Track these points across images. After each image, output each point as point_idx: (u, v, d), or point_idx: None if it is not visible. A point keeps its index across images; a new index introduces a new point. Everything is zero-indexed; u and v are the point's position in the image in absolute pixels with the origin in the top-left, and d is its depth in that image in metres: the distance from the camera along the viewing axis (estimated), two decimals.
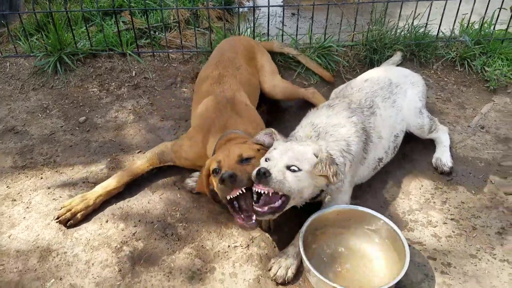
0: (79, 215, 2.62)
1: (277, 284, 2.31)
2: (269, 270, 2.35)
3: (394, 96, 2.96)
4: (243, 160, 2.37)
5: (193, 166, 2.87)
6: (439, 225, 2.65)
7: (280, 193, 2.21)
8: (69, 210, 2.62)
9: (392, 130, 2.89)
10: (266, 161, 2.31)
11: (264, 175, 2.13)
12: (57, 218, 2.60)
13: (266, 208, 2.21)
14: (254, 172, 2.17)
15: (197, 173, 2.84)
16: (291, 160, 2.26)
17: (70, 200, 2.68)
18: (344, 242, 2.47)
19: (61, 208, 2.64)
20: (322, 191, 2.43)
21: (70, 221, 2.60)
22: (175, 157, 2.87)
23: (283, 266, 2.32)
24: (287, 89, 3.46)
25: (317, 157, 2.30)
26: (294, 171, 2.24)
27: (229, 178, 2.17)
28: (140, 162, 2.87)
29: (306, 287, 2.31)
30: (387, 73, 3.14)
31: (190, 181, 2.84)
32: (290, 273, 2.32)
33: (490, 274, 2.38)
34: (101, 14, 4.22)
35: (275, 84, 3.43)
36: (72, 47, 3.94)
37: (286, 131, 2.78)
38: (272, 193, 2.19)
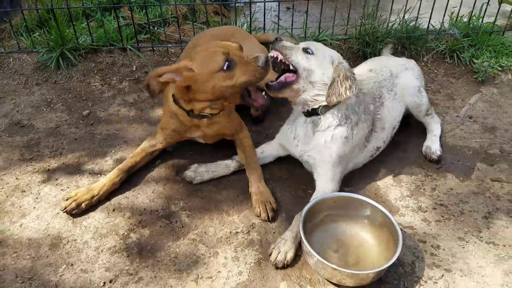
0: (83, 205, 2.72)
1: (278, 268, 2.44)
2: (270, 255, 2.47)
3: (395, 88, 3.09)
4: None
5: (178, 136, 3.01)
6: (429, 210, 2.80)
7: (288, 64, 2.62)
8: (75, 200, 2.72)
9: (392, 121, 3.04)
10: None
11: (277, 39, 2.62)
12: (64, 208, 2.71)
13: (275, 83, 2.62)
14: (272, 37, 2.78)
15: (195, 165, 2.97)
16: (307, 45, 2.66)
17: (77, 191, 2.79)
18: (341, 227, 2.61)
19: (67, 198, 2.76)
20: (321, 107, 2.67)
21: (75, 210, 2.70)
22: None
23: (282, 251, 2.45)
24: None
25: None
26: (307, 52, 2.61)
27: (268, 60, 2.53)
28: (133, 152, 3.00)
29: (305, 269, 2.44)
30: (387, 64, 3.23)
31: (189, 173, 2.95)
32: (289, 257, 2.44)
33: (477, 255, 2.53)
34: (101, 9, 4.31)
35: None
36: (74, 43, 4.03)
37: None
38: (281, 61, 2.62)
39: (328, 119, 2.69)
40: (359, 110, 2.75)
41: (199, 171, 2.94)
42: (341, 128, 2.69)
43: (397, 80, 3.11)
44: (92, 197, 2.76)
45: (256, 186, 2.82)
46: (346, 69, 2.61)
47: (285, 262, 2.43)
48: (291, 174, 3.02)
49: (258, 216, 2.72)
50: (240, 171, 3.00)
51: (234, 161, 3.00)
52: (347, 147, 2.72)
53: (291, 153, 2.95)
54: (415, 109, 3.18)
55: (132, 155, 2.98)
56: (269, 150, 3.06)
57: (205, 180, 2.94)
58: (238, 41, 3.41)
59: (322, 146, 2.72)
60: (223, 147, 3.13)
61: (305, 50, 2.63)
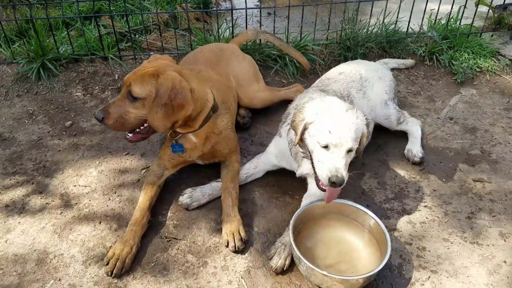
0: (128, 260, 2.48)
1: (277, 273, 2.45)
2: (270, 259, 2.47)
3: (364, 88, 3.16)
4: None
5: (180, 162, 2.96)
6: (414, 212, 2.84)
7: None
8: (117, 259, 2.47)
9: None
10: (325, 148, 2.33)
11: (339, 185, 2.28)
12: (111, 273, 2.44)
13: None
14: (326, 180, 2.29)
15: (189, 190, 2.88)
16: (352, 143, 2.32)
17: (112, 249, 2.52)
18: (330, 233, 2.63)
19: (107, 262, 2.47)
20: None
21: (123, 269, 2.46)
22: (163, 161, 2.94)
23: (283, 257, 2.46)
24: (266, 98, 3.50)
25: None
26: (350, 151, 2.35)
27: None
28: (145, 190, 2.81)
29: (294, 276, 2.46)
30: (358, 67, 3.28)
31: (184, 199, 2.84)
32: (287, 262, 2.46)
33: (461, 255, 2.58)
34: (81, 19, 4.27)
35: (253, 97, 3.42)
36: (54, 53, 3.99)
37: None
38: None
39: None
40: None
41: (195, 196, 2.85)
42: None
43: (367, 83, 3.18)
44: (131, 247, 2.52)
45: (228, 213, 2.70)
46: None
47: (284, 268, 2.45)
48: (277, 180, 3.04)
49: (226, 246, 2.60)
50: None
51: None
52: None
53: (286, 167, 2.94)
54: (385, 121, 3.26)
55: (144, 191, 2.79)
56: (262, 166, 3.03)
57: (202, 204, 2.86)
58: (224, 62, 3.36)
59: None
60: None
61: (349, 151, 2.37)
